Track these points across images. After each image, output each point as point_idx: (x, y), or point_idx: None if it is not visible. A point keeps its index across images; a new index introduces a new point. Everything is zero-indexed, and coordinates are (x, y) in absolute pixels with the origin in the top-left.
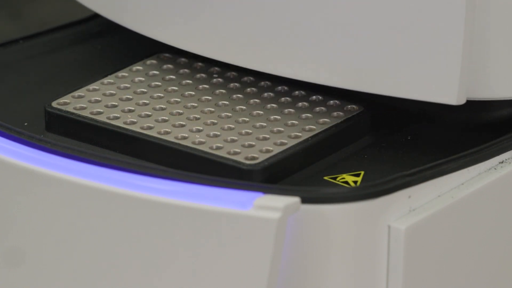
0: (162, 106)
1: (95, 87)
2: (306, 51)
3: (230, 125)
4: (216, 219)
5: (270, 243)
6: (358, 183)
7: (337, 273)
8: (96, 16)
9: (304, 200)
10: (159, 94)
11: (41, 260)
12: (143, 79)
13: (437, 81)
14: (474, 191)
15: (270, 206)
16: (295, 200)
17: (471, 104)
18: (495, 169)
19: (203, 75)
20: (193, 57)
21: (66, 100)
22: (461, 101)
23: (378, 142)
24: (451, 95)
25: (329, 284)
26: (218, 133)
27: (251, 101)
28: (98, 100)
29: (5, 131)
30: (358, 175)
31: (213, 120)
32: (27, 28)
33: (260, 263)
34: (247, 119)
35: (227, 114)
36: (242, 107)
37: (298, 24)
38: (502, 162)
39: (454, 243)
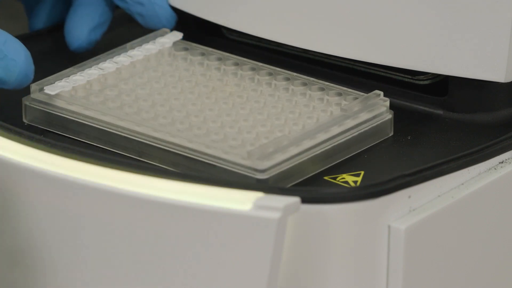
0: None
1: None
2: (366, 33)
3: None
4: (216, 219)
5: (270, 243)
6: (358, 183)
7: (337, 273)
8: None
9: (304, 200)
10: None
11: (41, 260)
12: None
13: (487, 60)
14: (474, 191)
15: (270, 206)
16: (295, 200)
17: (471, 104)
18: (495, 169)
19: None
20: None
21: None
22: (509, 78)
23: (378, 142)
24: (500, 73)
25: (329, 284)
26: None
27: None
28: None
29: (5, 131)
30: (358, 175)
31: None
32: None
33: (260, 263)
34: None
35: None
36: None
37: (361, 9)
38: (502, 162)
39: (454, 243)
